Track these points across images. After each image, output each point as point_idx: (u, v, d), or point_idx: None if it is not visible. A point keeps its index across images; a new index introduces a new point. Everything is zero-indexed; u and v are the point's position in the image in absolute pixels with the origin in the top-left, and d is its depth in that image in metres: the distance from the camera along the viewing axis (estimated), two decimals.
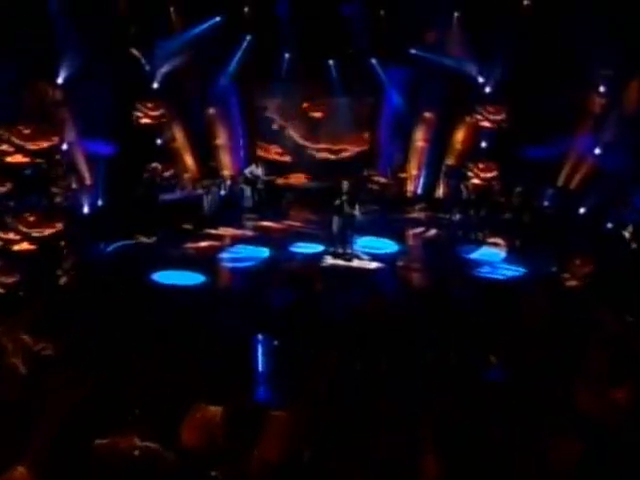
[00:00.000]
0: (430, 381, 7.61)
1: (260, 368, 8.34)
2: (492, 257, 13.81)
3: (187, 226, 15.54)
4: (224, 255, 13.69)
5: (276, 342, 8.77)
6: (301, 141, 19.93)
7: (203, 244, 14.45)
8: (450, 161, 18.50)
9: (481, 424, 6.60)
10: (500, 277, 12.42)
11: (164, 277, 11.88)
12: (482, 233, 15.38)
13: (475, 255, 13.97)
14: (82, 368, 7.78)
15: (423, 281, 12.51)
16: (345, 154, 19.86)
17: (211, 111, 18.76)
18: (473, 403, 7.21)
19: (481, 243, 14.85)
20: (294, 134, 19.83)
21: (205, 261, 13.01)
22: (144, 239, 14.64)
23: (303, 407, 6.14)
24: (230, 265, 13.13)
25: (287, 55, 18.54)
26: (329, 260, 13.36)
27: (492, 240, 14.95)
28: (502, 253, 14.13)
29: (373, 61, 18.54)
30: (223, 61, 18.20)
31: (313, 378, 7.43)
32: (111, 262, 12.98)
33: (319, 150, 19.92)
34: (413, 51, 17.83)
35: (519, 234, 14.95)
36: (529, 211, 15.79)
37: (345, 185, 13.38)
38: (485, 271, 12.77)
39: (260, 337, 8.86)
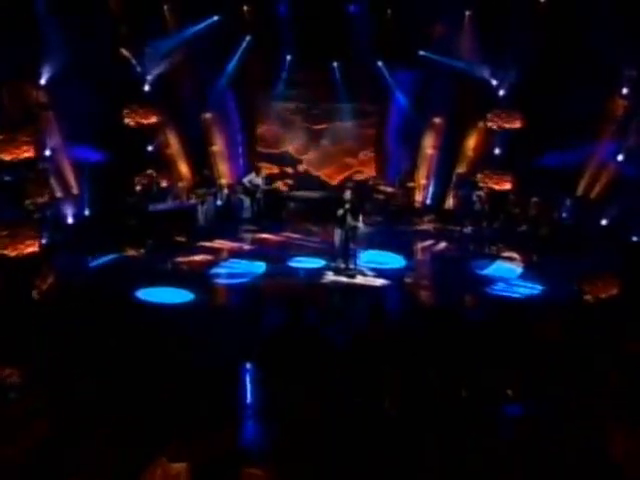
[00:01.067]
0: (440, 420, 6.79)
1: (247, 401, 7.58)
2: (507, 273, 13.22)
3: (180, 238, 15.11)
4: (217, 270, 13.18)
5: (266, 372, 7.95)
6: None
7: (195, 258, 13.98)
8: (461, 169, 17.96)
9: (498, 469, 5.76)
10: (516, 295, 11.80)
11: (150, 295, 11.36)
12: (496, 247, 14.88)
13: (488, 271, 13.38)
14: (45, 400, 7.21)
15: (432, 300, 11.94)
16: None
17: (208, 116, 18.33)
18: (488, 444, 6.41)
19: (495, 258, 14.31)
20: (293, 149, 19.53)
21: (196, 277, 12.58)
22: (132, 252, 14.17)
23: (287, 462, 5.31)
24: (222, 282, 12.63)
25: (289, 57, 18.16)
26: (330, 276, 12.76)
27: (507, 254, 14.45)
28: (518, 269, 13.54)
29: (379, 63, 18.16)
30: (220, 63, 17.80)
31: (306, 417, 6.65)
32: (94, 278, 12.41)
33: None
34: (421, 53, 17.37)
35: (536, 248, 14.44)
36: (546, 223, 15.19)
37: (348, 194, 12.79)
38: (499, 289, 12.17)
39: (248, 366, 8.05)
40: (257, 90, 19.04)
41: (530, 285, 12.25)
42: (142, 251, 14.19)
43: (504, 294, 11.86)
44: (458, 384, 7.52)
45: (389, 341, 8.41)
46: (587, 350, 8.72)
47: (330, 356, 8.10)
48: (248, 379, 8.02)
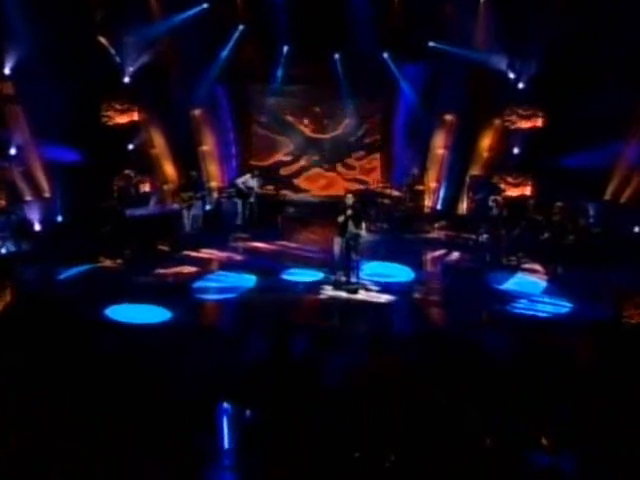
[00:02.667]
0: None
1: (222, 449, 6.52)
2: (529, 288, 12.29)
3: (162, 247, 14.43)
4: (201, 284, 12.31)
5: (248, 413, 6.83)
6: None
7: (179, 269, 13.24)
8: (475, 171, 17.42)
9: None
10: (541, 314, 10.78)
11: (123, 313, 10.49)
12: (515, 257, 14.06)
13: (508, 285, 12.48)
14: None
15: (445, 319, 10.97)
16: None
17: (196, 113, 17.89)
18: None
19: (515, 270, 13.46)
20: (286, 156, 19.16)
21: (178, 291, 11.77)
22: (108, 263, 13.37)
23: None
24: (206, 297, 11.75)
25: (285, 48, 17.63)
26: (329, 291, 11.91)
27: (528, 266, 13.67)
28: (541, 283, 12.65)
29: (385, 55, 17.65)
30: (210, 55, 17.24)
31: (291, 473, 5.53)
32: (61, 293, 11.57)
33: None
34: (431, 43, 16.85)
35: (561, 259, 13.65)
36: (572, 230, 14.28)
37: (349, 199, 11.99)
38: (522, 306, 11.20)
39: (226, 406, 6.95)
40: (251, 85, 18.66)
41: (557, 302, 11.28)
42: (119, 262, 13.40)
43: (527, 313, 10.89)
44: (480, 431, 6.31)
45: (394, 376, 7.23)
46: (629, 384, 7.69)
47: (322, 396, 7.01)
48: (225, 422, 6.85)
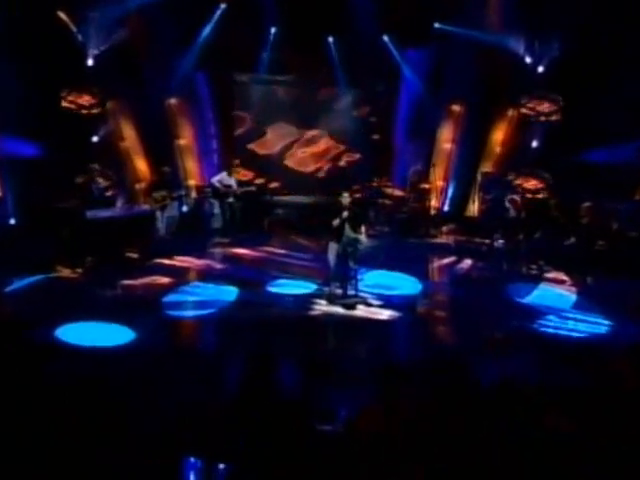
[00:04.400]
0: None
1: None
2: (557, 302, 11.31)
3: (131, 254, 13.74)
4: (174, 298, 11.36)
5: (222, 468, 5.65)
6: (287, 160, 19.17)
7: (148, 281, 12.35)
8: (487, 168, 17.24)
9: None
10: (575, 334, 9.73)
11: (79, 334, 9.42)
12: (537, 266, 13.46)
13: (532, 298, 11.52)
14: None
15: (458, 339, 9.86)
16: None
17: (172, 102, 17.72)
18: None
19: (537, 280, 12.66)
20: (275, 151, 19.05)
21: (146, 307, 10.82)
22: (66, 272, 12.54)
23: None
24: (179, 314, 10.72)
25: (273, 30, 17.54)
26: (322, 306, 10.95)
27: (552, 276, 12.95)
28: (571, 295, 11.74)
29: (385, 38, 17.63)
30: (189, 37, 16.99)
31: None
32: (9, 308, 10.80)
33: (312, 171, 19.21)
34: (437, 25, 16.83)
35: (591, 267, 12.86)
36: (603, 235, 13.58)
37: (346, 199, 11.17)
38: (551, 324, 10.14)
39: (195, 461, 5.76)
40: (234, 72, 18.45)
41: (592, 319, 10.27)
42: (78, 271, 12.59)
43: (558, 332, 9.82)
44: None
45: (410, 417, 6.09)
46: None
47: (316, 444, 5.87)
48: None
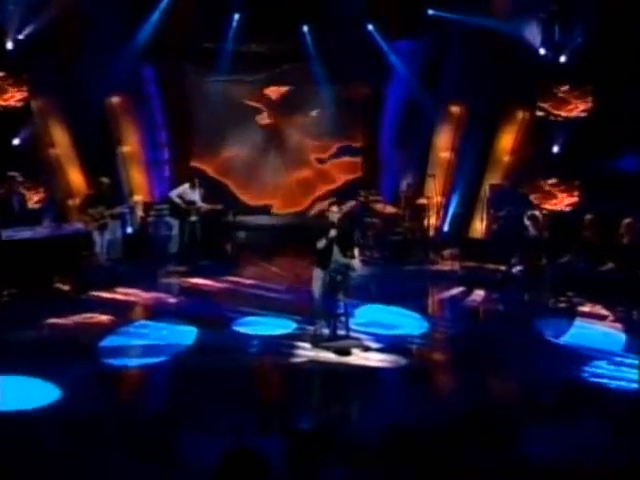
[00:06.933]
0: None
1: None
2: (603, 343, 10.34)
3: (61, 285, 13.22)
4: (115, 342, 10.57)
5: None
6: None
7: (81, 319, 11.58)
8: (495, 179, 16.79)
9: None
10: (633, 386, 8.65)
11: None
12: (567, 297, 12.80)
13: (570, 339, 10.64)
14: None
15: (489, 394, 8.86)
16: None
17: (114, 101, 17.30)
18: None
19: (569, 315, 11.92)
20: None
21: (78, 354, 9.93)
22: None
23: None
24: (120, 363, 9.82)
25: (237, 17, 17.11)
26: (307, 351, 10.03)
27: (587, 309, 12.23)
28: (618, 334, 10.87)
29: (370, 28, 17.30)
30: (134, 23, 16.54)
31: None
32: None
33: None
34: (431, 12, 16.44)
35: (635, 298, 12.03)
36: None
37: (335, 214, 10.45)
38: (603, 373, 9.11)
39: None
40: (189, 65, 18.30)
41: None
42: None
43: (615, 384, 8.75)
44: None
45: None
46: None
47: None
48: None
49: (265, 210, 18.90)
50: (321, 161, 18.90)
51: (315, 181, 18.81)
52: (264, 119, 18.73)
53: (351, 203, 16.15)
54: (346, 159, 18.86)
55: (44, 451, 6.95)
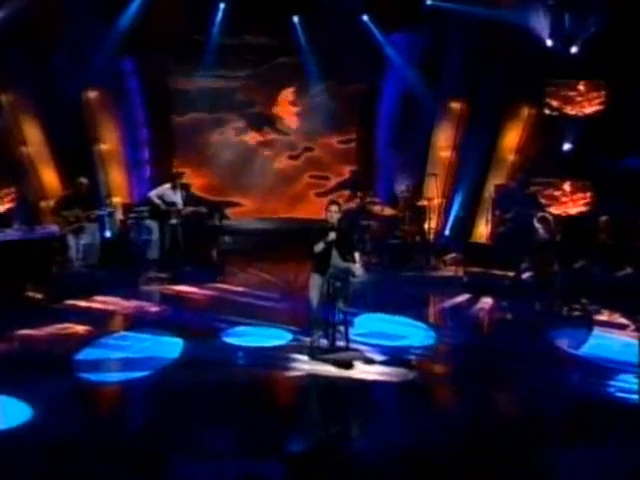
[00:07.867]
0: None
1: None
2: (626, 354, 10.00)
3: (33, 294, 13.06)
4: (91, 355, 10.23)
5: None
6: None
7: (56, 330, 11.27)
8: (500, 179, 16.62)
9: None
10: None
11: None
12: (580, 305, 12.47)
13: (589, 350, 10.37)
14: None
15: (506, 411, 8.53)
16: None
17: (91, 96, 17.21)
18: None
19: (585, 324, 11.67)
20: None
21: (51, 369, 9.60)
22: None
23: None
24: (98, 379, 9.46)
25: (222, 6, 17.16)
26: (304, 364, 9.72)
27: (605, 318, 12.00)
28: None
29: (365, 18, 17.40)
30: (112, 13, 16.44)
31: None
32: None
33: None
34: (429, 1, 16.53)
35: None
36: None
37: (334, 212, 10.12)
38: (629, 387, 8.79)
39: None
40: (173, 59, 18.33)
41: None
42: None
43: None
44: None
45: None
46: None
47: None
48: None
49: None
50: (310, 149, 19.17)
51: (303, 169, 19.03)
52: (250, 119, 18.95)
53: (350, 204, 15.98)
54: (339, 146, 19.04)
55: (15, 476, 6.56)
